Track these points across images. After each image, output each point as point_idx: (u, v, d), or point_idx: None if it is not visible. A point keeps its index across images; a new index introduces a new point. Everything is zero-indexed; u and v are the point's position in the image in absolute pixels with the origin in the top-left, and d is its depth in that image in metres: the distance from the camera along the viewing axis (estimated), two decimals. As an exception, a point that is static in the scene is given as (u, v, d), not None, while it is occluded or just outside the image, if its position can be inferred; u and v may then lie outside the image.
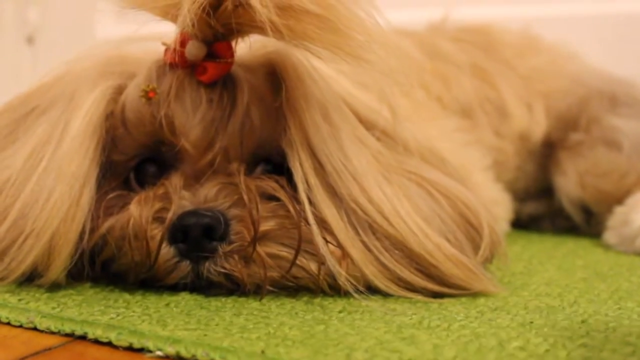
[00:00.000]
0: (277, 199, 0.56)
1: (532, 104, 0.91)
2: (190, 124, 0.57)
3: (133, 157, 0.60)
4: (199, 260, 0.54)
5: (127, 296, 0.54)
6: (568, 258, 0.75)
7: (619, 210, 0.83)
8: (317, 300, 0.55)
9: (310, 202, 0.55)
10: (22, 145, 0.58)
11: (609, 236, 0.83)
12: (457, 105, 0.84)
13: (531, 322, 0.50)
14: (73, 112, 0.57)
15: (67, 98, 0.59)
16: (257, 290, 0.55)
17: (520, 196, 0.92)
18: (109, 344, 0.46)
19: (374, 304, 0.53)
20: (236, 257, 0.54)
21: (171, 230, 0.54)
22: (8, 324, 0.50)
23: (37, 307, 0.51)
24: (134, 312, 0.50)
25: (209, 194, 0.56)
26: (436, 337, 0.46)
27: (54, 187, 0.55)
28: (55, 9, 1.70)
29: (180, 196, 0.56)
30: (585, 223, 0.90)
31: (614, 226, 0.83)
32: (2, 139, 0.60)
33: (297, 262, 0.54)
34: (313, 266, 0.55)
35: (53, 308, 0.51)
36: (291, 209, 0.55)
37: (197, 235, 0.54)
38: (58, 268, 0.55)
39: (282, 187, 0.56)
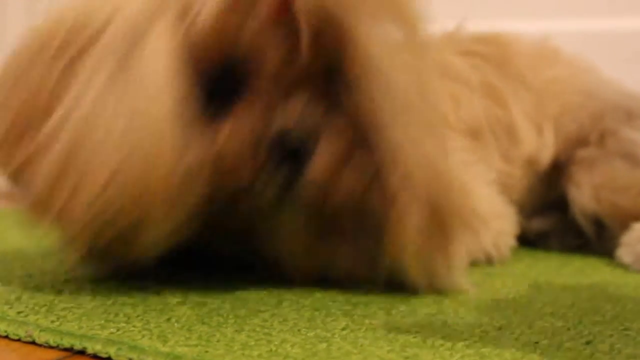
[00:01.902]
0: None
1: (542, 125, 0.90)
2: (270, 41, 0.57)
3: (211, 77, 0.57)
4: (294, 172, 0.56)
5: (128, 310, 0.54)
6: (574, 277, 0.75)
7: (636, 227, 0.82)
8: (320, 317, 0.54)
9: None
10: (88, 84, 0.55)
11: (624, 253, 0.81)
12: (464, 126, 0.83)
13: (536, 343, 0.49)
14: (145, 45, 0.55)
15: (131, 31, 0.56)
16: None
17: (526, 212, 0.91)
18: (109, 359, 0.45)
19: (377, 321, 0.53)
20: (328, 170, 0.56)
21: (272, 145, 0.55)
22: (6, 337, 0.49)
23: (36, 321, 0.50)
24: (134, 326, 0.50)
25: (296, 109, 0.57)
26: (440, 356, 0.46)
27: (138, 124, 0.53)
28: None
29: (274, 111, 0.56)
30: (597, 238, 0.88)
31: (630, 243, 0.81)
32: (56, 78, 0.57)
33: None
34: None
35: (52, 322, 0.50)
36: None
37: (295, 149, 0.55)
38: (157, 223, 0.54)
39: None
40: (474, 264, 0.76)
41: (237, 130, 0.56)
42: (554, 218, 0.93)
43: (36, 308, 0.53)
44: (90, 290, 0.60)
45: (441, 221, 0.60)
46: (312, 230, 0.60)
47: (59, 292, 0.59)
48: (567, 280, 0.73)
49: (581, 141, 0.90)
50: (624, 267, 0.80)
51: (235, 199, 0.57)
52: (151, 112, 0.53)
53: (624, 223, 0.83)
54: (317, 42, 0.57)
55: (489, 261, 0.77)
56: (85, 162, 0.54)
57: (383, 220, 0.59)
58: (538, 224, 0.93)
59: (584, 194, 0.86)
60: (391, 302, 0.59)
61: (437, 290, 0.61)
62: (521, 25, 1.14)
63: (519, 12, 1.31)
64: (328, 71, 0.59)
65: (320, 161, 0.57)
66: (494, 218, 0.78)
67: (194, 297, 0.58)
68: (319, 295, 0.61)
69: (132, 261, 0.59)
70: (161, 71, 0.54)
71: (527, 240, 0.91)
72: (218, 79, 0.57)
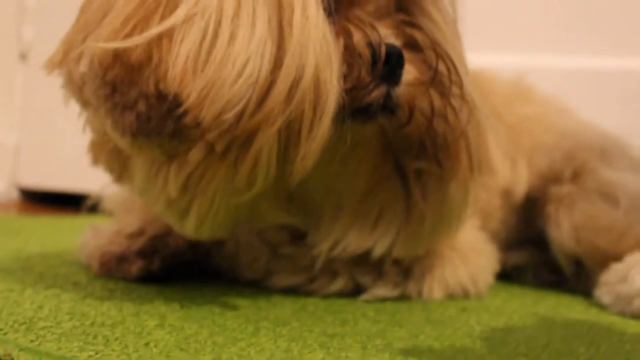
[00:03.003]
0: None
1: (516, 159, 0.92)
2: None
3: None
4: (391, 85, 0.62)
5: (106, 332, 0.54)
6: (549, 315, 0.75)
7: (616, 267, 0.82)
8: (297, 348, 0.54)
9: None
10: None
11: (602, 293, 0.81)
12: None
13: (509, 385, 0.50)
14: None
15: None
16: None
17: (504, 246, 0.92)
18: (86, 383, 0.46)
19: (353, 355, 0.53)
20: (414, 88, 0.64)
21: (378, 54, 0.61)
22: (-15, 354, 0.49)
23: (15, 339, 0.50)
24: (113, 350, 0.50)
25: (386, 34, 0.63)
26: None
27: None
28: (50, 26, 1.71)
29: (373, 31, 0.62)
30: (575, 276, 0.89)
31: (609, 282, 0.81)
32: None
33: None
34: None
35: (31, 341, 0.50)
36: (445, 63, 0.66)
37: (395, 62, 0.62)
38: (329, 111, 0.57)
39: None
40: (451, 297, 0.77)
41: (355, 39, 0.62)
42: (530, 253, 0.94)
43: (15, 326, 0.54)
44: (69, 307, 0.60)
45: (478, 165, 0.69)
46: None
47: (39, 308, 0.59)
48: (542, 318, 0.73)
49: (554, 178, 0.91)
50: (601, 307, 0.81)
51: (350, 101, 0.60)
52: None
53: (603, 263, 0.83)
54: None
55: (466, 295, 0.78)
56: (227, 45, 0.55)
57: (449, 149, 0.67)
58: (515, 258, 0.94)
59: (564, 234, 0.87)
60: (367, 335, 0.60)
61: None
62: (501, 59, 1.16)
63: (502, 46, 1.32)
64: (400, 7, 0.67)
65: (410, 76, 0.64)
66: (475, 254, 0.80)
67: (172, 321, 0.59)
68: (295, 325, 0.61)
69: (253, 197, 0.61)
70: None
71: (504, 273, 0.92)
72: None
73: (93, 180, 0.78)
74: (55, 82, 0.64)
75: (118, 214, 0.81)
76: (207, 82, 0.54)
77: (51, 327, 0.54)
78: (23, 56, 1.72)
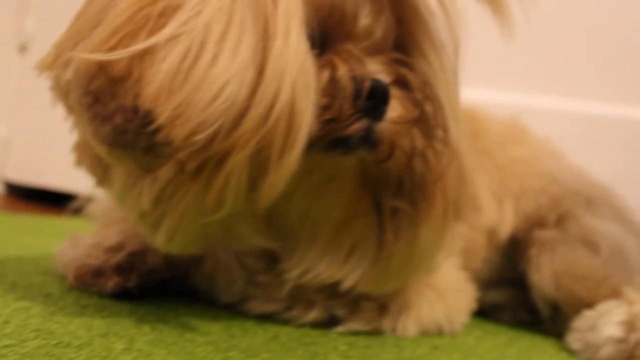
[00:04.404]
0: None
1: (503, 200, 0.92)
2: (362, 11, 0.65)
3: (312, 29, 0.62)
4: (373, 120, 0.62)
5: (71, 354, 0.53)
6: (520, 357, 0.75)
7: (587, 314, 0.82)
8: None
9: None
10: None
11: (573, 339, 0.82)
12: None
13: None
14: None
15: None
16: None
17: (483, 284, 0.92)
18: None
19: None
20: (397, 125, 0.64)
21: (361, 88, 0.61)
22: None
23: (-23, 358, 0.50)
24: (75, 375, 0.50)
25: (375, 69, 0.64)
26: None
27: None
28: (51, 19, 1.71)
29: (360, 66, 0.63)
30: (551, 319, 0.90)
31: (579, 329, 0.82)
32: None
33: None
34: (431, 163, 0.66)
35: (-6, 361, 0.50)
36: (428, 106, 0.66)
37: (380, 97, 0.62)
38: (300, 141, 0.57)
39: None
40: (424, 334, 0.77)
41: (339, 72, 0.62)
42: (508, 292, 0.94)
43: (-22, 343, 0.53)
44: (37, 323, 0.60)
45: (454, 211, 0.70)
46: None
47: (6, 322, 0.59)
48: (513, 362, 0.73)
49: (539, 222, 0.91)
50: (571, 352, 0.81)
51: (329, 132, 0.61)
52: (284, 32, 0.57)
53: (579, 310, 0.84)
54: (394, 16, 0.67)
55: (440, 333, 0.78)
56: (208, 68, 0.55)
57: (426, 191, 0.67)
58: (493, 297, 0.94)
59: (544, 280, 0.87)
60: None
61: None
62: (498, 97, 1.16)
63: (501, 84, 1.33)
64: (398, 46, 0.68)
65: (394, 113, 0.64)
66: (453, 293, 0.80)
67: (140, 345, 0.58)
68: (265, 356, 0.61)
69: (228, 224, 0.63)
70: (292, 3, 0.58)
71: (482, 310, 0.92)
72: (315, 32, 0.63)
73: (80, 180, 0.78)
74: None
75: (99, 225, 0.81)
76: (182, 101, 0.55)
77: (15, 345, 0.53)
78: (23, 48, 1.71)
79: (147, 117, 0.55)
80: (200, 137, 0.55)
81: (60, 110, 0.67)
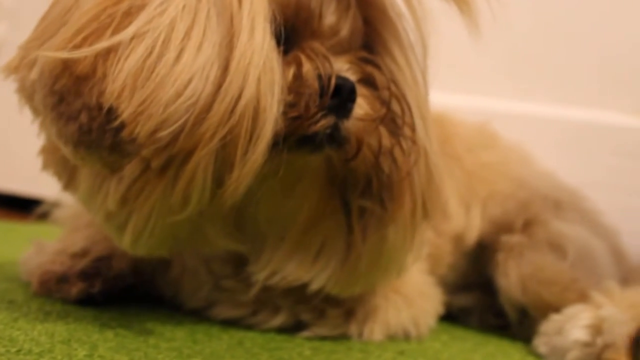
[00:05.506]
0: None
1: (471, 205, 0.92)
2: (328, 9, 0.66)
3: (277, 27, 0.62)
4: (339, 117, 0.62)
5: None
6: (486, 363, 0.76)
7: (554, 318, 0.82)
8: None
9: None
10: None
11: (540, 343, 0.82)
12: None
13: None
14: None
15: None
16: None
17: (451, 289, 0.92)
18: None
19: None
20: (364, 123, 0.64)
21: (326, 86, 0.62)
22: None
23: None
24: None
25: (341, 67, 0.65)
26: None
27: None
28: (23, 24, 1.70)
29: (327, 65, 0.63)
30: (519, 323, 0.90)
31: (546, 332, 0.82)
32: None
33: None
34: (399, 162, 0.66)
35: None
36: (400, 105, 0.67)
37: (346, 95, 0.62)
38: (265, 138, 0.57)
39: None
40: (391, 338, 0.77)
41: (304, 69, 0.62)
42: (476, 296, 0.94)
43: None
44: (-2, 331, 0.59)
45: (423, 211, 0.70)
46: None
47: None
48: (478, 367, 0.74)
49: (506, 227, 0.92)
50: (538, 356, 0.81)
51: (295, 129, 0.61)
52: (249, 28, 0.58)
53: (547, 314, 0.84)
54: (361, 15, 0.68)
55: (407, 337, 0.78)
56: (172, 65, 0.55)
57: (393, 190, 0.67)
58: (460, 301, 0.94)
59: (512, 284, 0.87)
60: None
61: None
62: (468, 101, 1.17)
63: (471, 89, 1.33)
64: (365, 45, 0.68)
65: (361, 111, 0.64)
66: (419, 297, 0.80)
67: (103, 352, 0.58)
68: (229, 363, 0.61)
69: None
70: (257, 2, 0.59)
71: (450, 315, 0.92)
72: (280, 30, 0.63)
73: (46, 185, 0.77)
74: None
75: (65, 231, 0.80)
76: (145, 98, 0.55)
77: (-18, 356, 0.53)
78: (-7, 53, 1.70)
79: (111, 114, 0.55)
80: (165, 133, 0.55)
81: (25, 114, 0.66)
